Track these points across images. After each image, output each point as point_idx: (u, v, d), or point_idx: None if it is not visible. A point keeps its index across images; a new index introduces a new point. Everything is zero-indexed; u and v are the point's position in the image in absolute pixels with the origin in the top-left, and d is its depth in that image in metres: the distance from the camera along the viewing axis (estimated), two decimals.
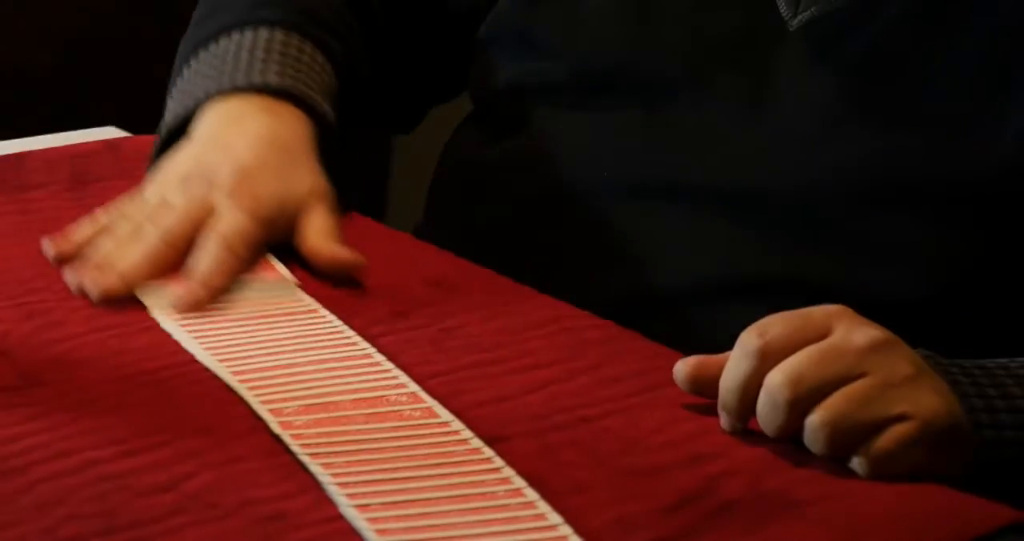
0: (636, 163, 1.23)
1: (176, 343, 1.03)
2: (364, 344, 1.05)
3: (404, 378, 1.01)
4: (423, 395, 0.98)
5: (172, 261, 1.11)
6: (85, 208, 1.22)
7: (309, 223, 1.17)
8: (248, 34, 1.28)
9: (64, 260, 1.12)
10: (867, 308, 1.01)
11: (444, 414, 0.96)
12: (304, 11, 1.31)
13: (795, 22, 1.23)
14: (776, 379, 0.94)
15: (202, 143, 1.21)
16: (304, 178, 1.19)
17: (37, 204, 1.24)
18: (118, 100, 2.23)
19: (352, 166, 1.29)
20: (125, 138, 1.41)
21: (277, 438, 0.93)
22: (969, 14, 1.19)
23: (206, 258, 1.10)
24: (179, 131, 1.24)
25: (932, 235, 1.15)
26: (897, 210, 1.16)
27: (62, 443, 0.91)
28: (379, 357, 1.03)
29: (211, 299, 1.09)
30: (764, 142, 1.21)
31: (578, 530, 0.84)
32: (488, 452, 0.92)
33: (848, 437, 0.95)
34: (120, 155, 1.35)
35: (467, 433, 0.94)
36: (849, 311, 1.00)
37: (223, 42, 1.29)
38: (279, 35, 1.28)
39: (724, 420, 0.98)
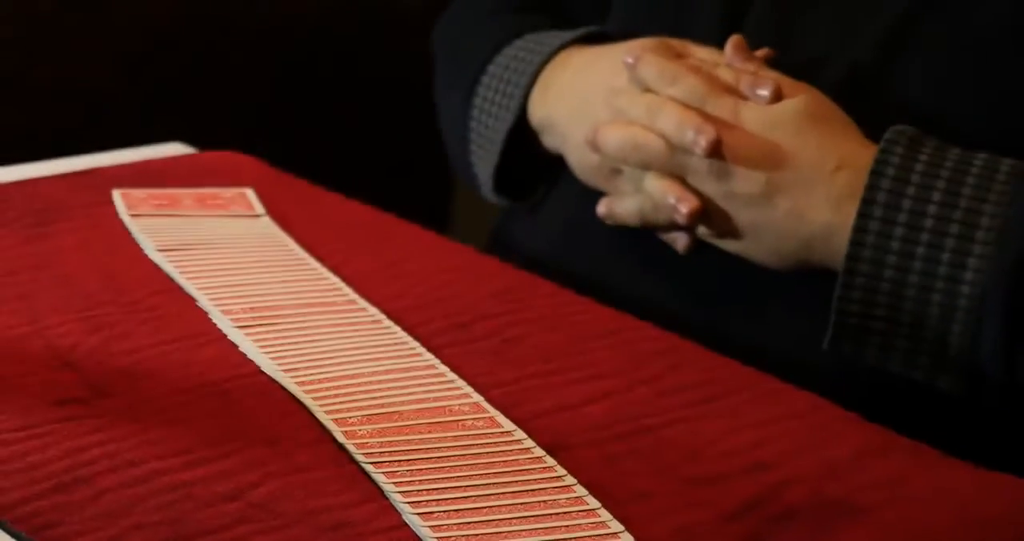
0: None
1: (241, 354, 1.04)
2: (428, 355, 1.05)
3: (467, 388, 1.01)
4: (485, 405, 0.98)
5: None
6: (158, 219, 1.24)
7: None
8: (516, 42, 1.35)
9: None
10: None
11: (506, 424, 0.96)
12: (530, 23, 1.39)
13: None
14: None
15: (585, 71, 1.29)
16: None
17: (107, 220, 1.25)
18: (183, 117, 2.25)
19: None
20: (192, 154, 1.42)
21: (341, 447, 0.93)
22: None
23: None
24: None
25: None
26: None
27: (128, 453, 0.92)
28: (442, 368, 1.04)
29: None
30: None
31: (640, 538, 0.84)
32: (550, 461, 0.92)
33: None
34: (188, 169, 1.37)
35: (529, 442, 0.94)
36: None
37: (508, 49, 1.35)
38: (531, 35, 1.36)
39: None
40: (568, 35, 1.32)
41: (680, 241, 1.18)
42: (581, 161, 1.26)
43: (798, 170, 1.13)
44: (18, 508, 0.86)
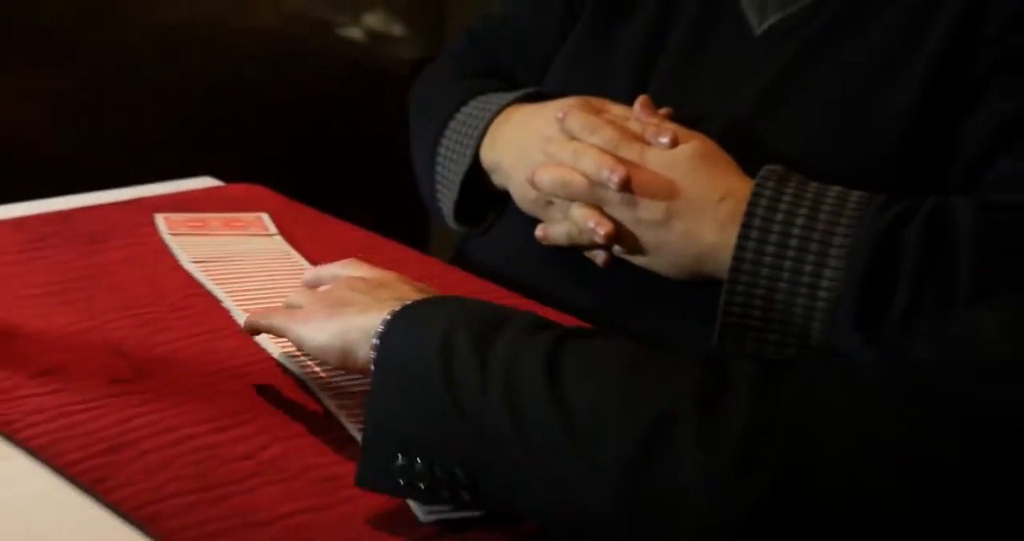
0: None
1: (256, 344, 1.04)
2: None
3: None
4: None
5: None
6: (192, 237, 1.23)
7: None
8: (471, 102, 1.34)
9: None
10: None
11: None
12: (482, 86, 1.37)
13: (759, 28, 1.23)
14: None
15: (525, 124, 1.27)
16: None
17: (149, 238, 1.24)
18: (214, 156, 2.25)
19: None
20: (220, 186, 1.41)
21: (334, 418, 0.94)
22: (874, 16, 1.18)
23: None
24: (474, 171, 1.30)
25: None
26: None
27: (166, 422, 0.92)
28: None
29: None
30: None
31: None
32: None
33: None
34: (217, 198, 1.35)
35: None
36: None
37: (465, 108, 1.33)
38: (482, 96, 1.34)
39: None
40: (511, 96, 1.32)
41: (600, 257, 1.18)
42: (522, 195, 1.25)
43: (690, 200, 1.12)
44: (77, 465, 0.87)
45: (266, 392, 0.98)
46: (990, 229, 1.04)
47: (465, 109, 1.34)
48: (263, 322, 0.98)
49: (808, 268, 1.08)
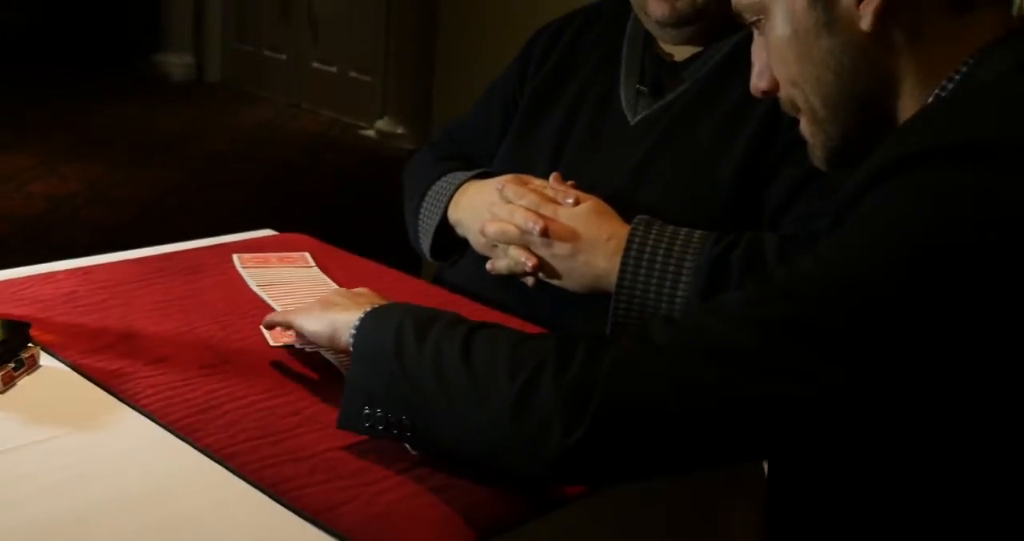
0: None
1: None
2: None
3: None
4: None
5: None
6: (258, 269, 1.22)
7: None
8: (442, 178, 1.32)
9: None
10: None
11: None
12: (450, 167, 1.34)
13: (633, 120, 1.22)
14: None
15: (476, 194, 1.25)
16: None
17: (229, 271, 1.22)
18: (271, 216, 2.25)
19: None
20: (276, 235, 1.39)
21: None
22: (707, 114, 1.17)
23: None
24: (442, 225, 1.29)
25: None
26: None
27: (239, 393, 0.92)
28: None
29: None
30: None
31: None
32: None
33: None
34: (274, 243, 1.34)
35: None
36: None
37: (438, 183, 1.31)
38: (449, 175, 1.32)
39: None
40: (468, 175, 1.30)
41: (529, 281, 1.18)
42: (476, 241, 1.24)
43: (589, 240, 1.12)
44: (179, 422, 0.87)
45: (308, 371, 0.97)
46: (787, 251, 1.06)
47: (437, 183, 1.32)
48: (277, 318, 0.98)
49: (668, 283, 1.08)
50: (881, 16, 0.73)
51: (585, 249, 1.12)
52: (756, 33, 0.80)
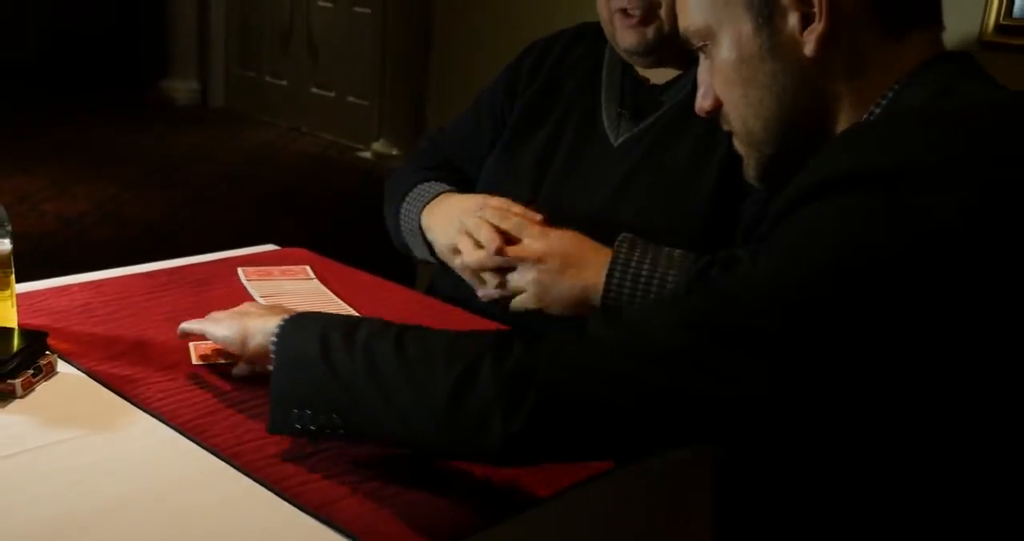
0: None
1: None
2: None
3: None
4: None
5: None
6: (261, 281, 1.22)
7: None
8: (423, 185, 1.29)
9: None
10: None
11: None
12: (438, 178, 1.32)
13: (616, 142, 1.22)
14: None
15: (448, 205, 1.22)
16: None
17: (235, 283, 1.23)
18: (273, 233, 2.26)
19: None
20: (279, 249, 1.39)
21: None
22: (684, 134, 1.17)
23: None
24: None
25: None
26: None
27: (243, 394, 0.93)
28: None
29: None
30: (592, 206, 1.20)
31: None
32: None
33: None
34: (277, 257, 1.34)
35: None
36: None
37: (414, 190, 1.30)
38: (423, 184, 1.30)
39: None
40: (450, 188, 1.28)
41: (501, 303, 1.14)
42: (440, 247, 1.22)
43: (576, 256, 1.09)
44: (188, 423, 0.88)
45: None
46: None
47: (418, 188, 1.30)
48: (191, 326, 0.97)
49: (653, 296, 1.07)
50: (823, 43, 0.75)
51: (574, 263, 1.09)
52: (702, 57, 0.82)
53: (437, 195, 1.28)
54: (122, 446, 0.85)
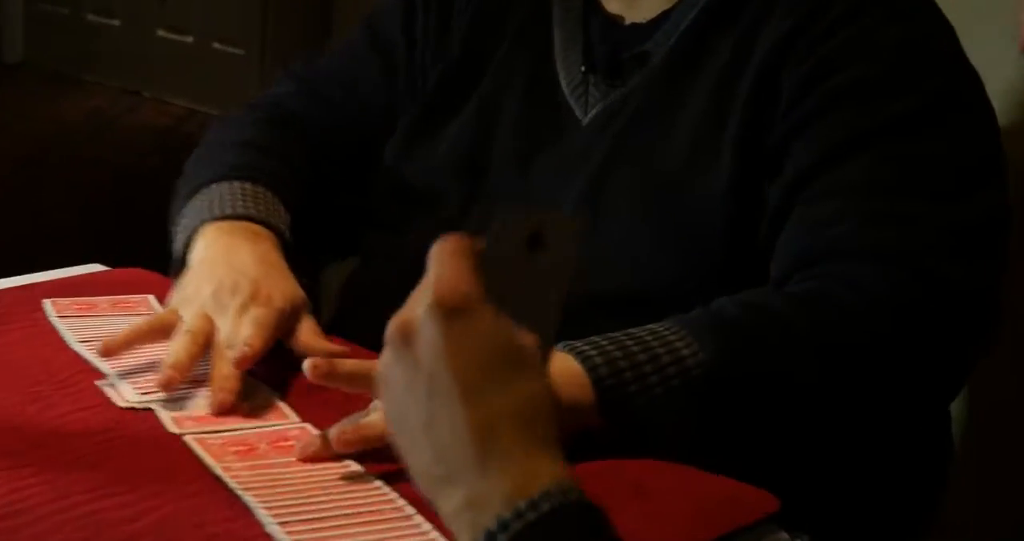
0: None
1: (141, 413, 1.03)
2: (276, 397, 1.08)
3: (308, 425, 1.03)
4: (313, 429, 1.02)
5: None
6: (80, 319, 1.22)
7: (301, 325, 1.15)
8: (224, 184, 1.28)
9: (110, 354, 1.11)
10: None
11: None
12: (262, 169, 1.31)
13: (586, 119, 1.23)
14: None
15: (212, 264, 1.20)
16: (294, 288, 1.17)
17: (40, 322, 1.22)
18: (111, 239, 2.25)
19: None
20: (107, 270, 1.40)
21: (219, 479, 0.94)
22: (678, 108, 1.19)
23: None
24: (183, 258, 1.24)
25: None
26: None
27: (56, 491, 0.92)
28: (287, 409, 1.06)
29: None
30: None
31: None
32: (377, 482, 0.94)
33: None
34: (105, 282, 1.34)
35: (356, 466, 0.96)
36: None
37: (208, 189, 1.29)
38: (248, 185, 1.29)
39: None
40: (259, 208, 1.27)
41: None
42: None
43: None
44: None
45: (153, 457, 0.98)
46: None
47: (210, 189, 1.29)
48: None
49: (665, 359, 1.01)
50: None
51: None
52: None
53: (236, 227, 1.23)
54: None
